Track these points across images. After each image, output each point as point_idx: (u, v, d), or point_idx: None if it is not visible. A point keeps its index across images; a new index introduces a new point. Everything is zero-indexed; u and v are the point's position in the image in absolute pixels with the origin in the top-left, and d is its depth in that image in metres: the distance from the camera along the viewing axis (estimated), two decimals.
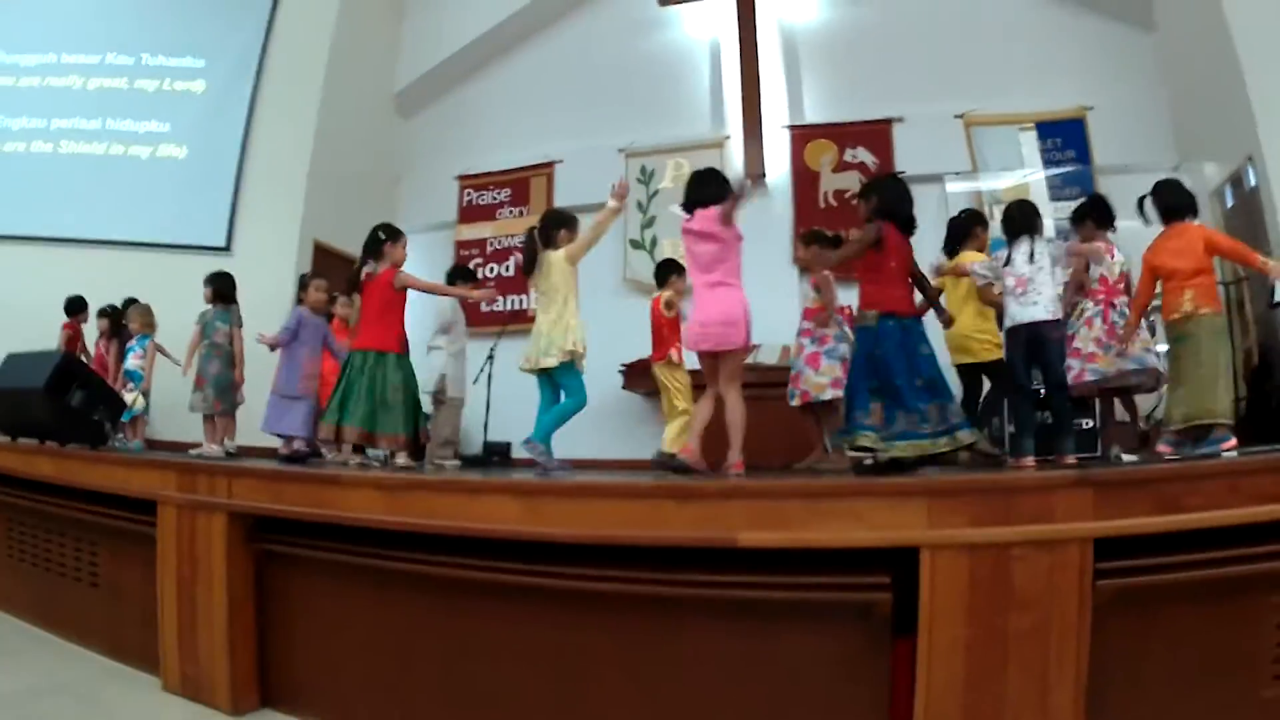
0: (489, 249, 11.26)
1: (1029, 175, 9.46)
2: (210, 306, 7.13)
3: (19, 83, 10.31)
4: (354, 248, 9.92)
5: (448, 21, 11.79)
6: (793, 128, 10.40)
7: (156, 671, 4.47)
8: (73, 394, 5.78)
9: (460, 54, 11.76)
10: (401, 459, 5.73)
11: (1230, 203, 8.16)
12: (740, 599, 3.08)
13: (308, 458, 6.39)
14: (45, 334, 8.59)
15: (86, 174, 10.12)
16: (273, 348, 6.76)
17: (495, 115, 11.69)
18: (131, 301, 8.43)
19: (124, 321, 8.25)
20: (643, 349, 8.70)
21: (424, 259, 9.84)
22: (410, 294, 6.09)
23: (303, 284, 7.50)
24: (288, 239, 10.02)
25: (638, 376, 9.01)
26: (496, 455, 9.36)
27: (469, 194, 11.54)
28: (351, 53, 11.03)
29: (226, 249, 10.00)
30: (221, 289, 7.13)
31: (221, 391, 6.91)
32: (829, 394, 6.13)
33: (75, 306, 8.80)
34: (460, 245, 11.38)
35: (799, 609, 3.07)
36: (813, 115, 10.43)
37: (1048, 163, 9.44)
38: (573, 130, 11.09)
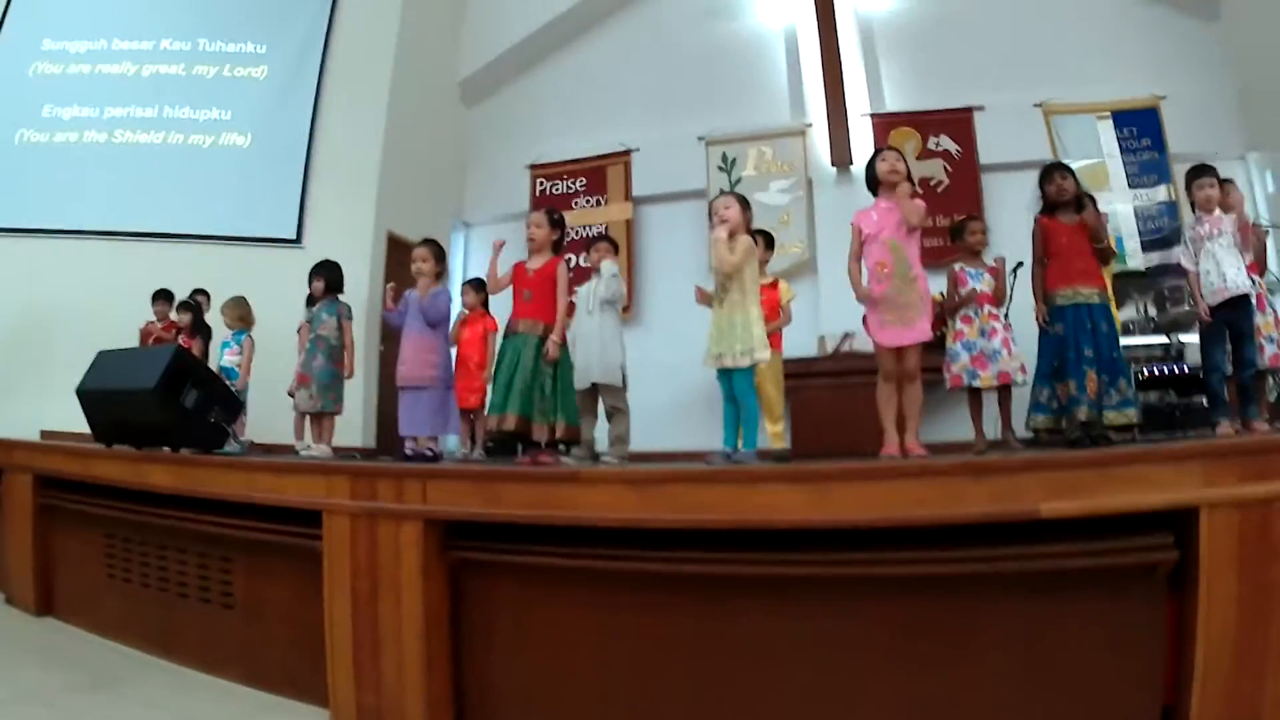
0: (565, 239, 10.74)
1: (1109, 161, 9.58)
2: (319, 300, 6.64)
3: (68, 70, 9.76)
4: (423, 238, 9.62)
5: (512, 7, 11.47)
6: (875, 116, 10.30)
7: (314, 700, 3.91)
8: (187, 393, 5.19)
9: (526, 41, 11.49)
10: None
11: None
12: (1038, 570, 2.99)
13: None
14: (107, 333, 7.98)
15: (144, 165, 9.55)
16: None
17: (562, 103, 11.40)
18: (201, 294, 7.96)
19: (202, 315, 7.75)
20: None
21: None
22: None
23: None
24: (362, 231, 9.62)
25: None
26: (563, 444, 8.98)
27: (542, 183, 11.19)
28: (417, 38, 10.65)
29: (297, 241, 9.54)
30: (332, 280, 6.66)
31: (325, 388, 6.43)
32: (1020, 378, 5.95)
33: (157, 297, 8.29)
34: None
35: (1088, 576, 3.02)
36: (893, 104, 10.42)
37: (1125, 150, 9.62)
38: (646, 118, 10.90)
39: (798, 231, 10.01)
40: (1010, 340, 6.04)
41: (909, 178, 4.98)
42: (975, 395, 6.15)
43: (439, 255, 6.04)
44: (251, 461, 4.67)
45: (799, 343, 7.90)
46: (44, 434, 7.92)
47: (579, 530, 3.40)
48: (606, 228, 10.37)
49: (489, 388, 6.76)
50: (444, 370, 5.92)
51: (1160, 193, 9.42)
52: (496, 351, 5.42)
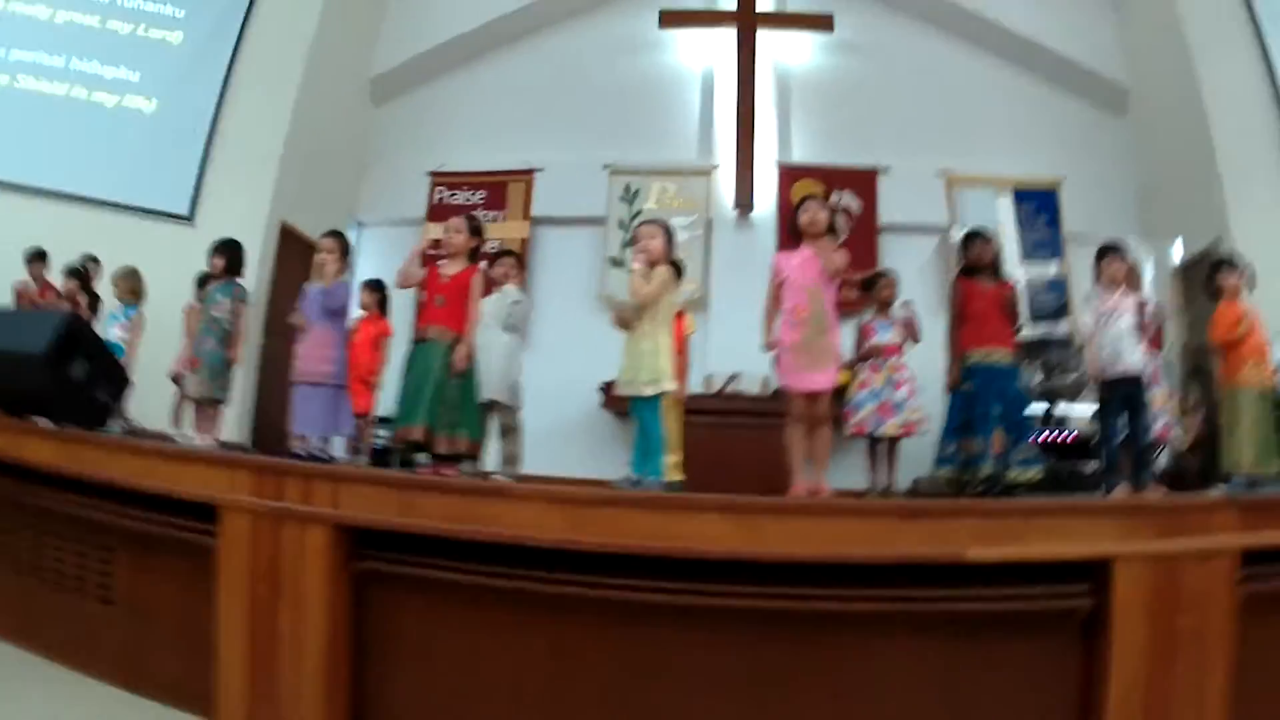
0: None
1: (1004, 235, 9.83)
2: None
3: None
4: (314, 232, 9.43)
5: (436, 11, 11.32)
6: (782, 165, 10.52)
7: (198, 709, 3.73)
8: (76, 364, 4.91)
9: (443, 46, 11.28)
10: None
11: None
12: (963, 612, 3.14)
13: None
14: None
15: (41, 115, 9.13)
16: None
17: (471, 115, 11.26)
18: (92, 260, 7.65)
19: (90, 283, 7.47)
20: (616, 369, 8.82)
21: (387, 255, 9.47)
22: None
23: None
24: (256, 217, 9.23)
25: (614, 395, 8.83)
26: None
27: (440, 191, 10.98)
28: (335, 27, 10.37)
29: (189, 219, 9.20)
30: (233, 260, 6.50)
31: (216, 373, 6.25)
32: (924, 428, 6.41)
33: (36, 258, 7.87)
34: (429, 244, 10.68)
35: (1008, 620, 3.17)
36: (800, 155, 10.69)
37: (1022, 225, 9.99)
38: (554, 140, 10.86)
39: (693, 269, 9.92)
40: (915, 392, 6.39)
41: (832, 228, 5.14)
42: (874, 444, 6.46)
43: (344, 249, 5.96)
44: (146, 445, 4.47)
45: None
46: None
47: (496, 547, 3.35)
48: (501, 244, 10.23)
49: (376, 394, 6.71)
50: (340, 367, 5.83)
51: (1052, 268, 9.89)
52: (405, 358, 5.30)
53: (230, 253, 6.58)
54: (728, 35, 10.69)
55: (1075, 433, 7.71)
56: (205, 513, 3.77)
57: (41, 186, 8.85)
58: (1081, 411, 7.64)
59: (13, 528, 4.60)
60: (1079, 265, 9.16)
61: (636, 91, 10.94)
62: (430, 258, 5.79)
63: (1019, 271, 9.68)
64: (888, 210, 10.26)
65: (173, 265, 7.67)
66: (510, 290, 6.21)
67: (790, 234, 5.34)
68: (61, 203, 8.86)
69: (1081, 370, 7.68)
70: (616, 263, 10.32)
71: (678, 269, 5.39)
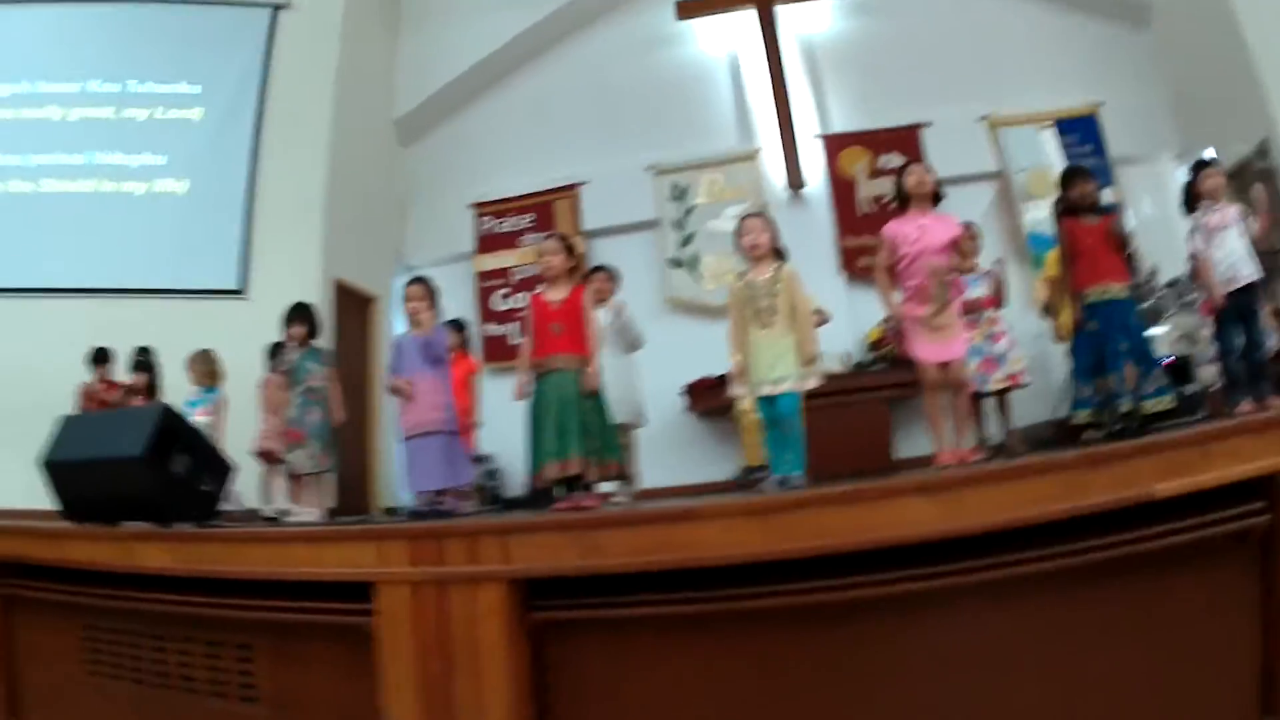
0: (514, 278, 10.55)
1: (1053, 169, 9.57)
2: (294, 347, 6.22)
3: None
4: (367, 284, 9.21)
5: (445, 44, 11.11)
6: (825, 137, 10.31)
7: None
8: (176, 459, 4.67)
9: (461, 77, 11.11)
10: None
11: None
12: (1142, 553, 2.99)
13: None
14: (35, 398, 7.40)
15: (73, 215, 8.93)
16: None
17: (502, 139, 11.09)
18: (143, 352, 7.42)
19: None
20: (693, 370, 8.96)
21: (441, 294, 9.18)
22: None
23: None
24: (309, 278, 8.96)
25: (701, 397, 9.10)
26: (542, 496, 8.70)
27: (487, 221, 10.83)
28: (353, 76, 10.18)
29: (240, 292, 8.98)
30: (312, 325, 6.23)
31: (327, 445, 5.97)
32: (1028, 379, 6.61)
33: (99, 359, 7.66)
34: (481, 276, 10.67)
35: (1187, 551, 3.04)
36: (840, 124, 10.43)
37: (1068, 157, 9.57)
38: (591, 150, 10.69)
39: None
40: (1015, 343, 6.54)
41: (938, 189, 5.14)
42: (976, 400, 6.38)
43: (431, 293, 5.65)
44: (280, 532, 4.19)
45: None
46: None
47: (677, 572, 3.12)
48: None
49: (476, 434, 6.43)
50: (450, 413, 5.48)
51: (1105, 195, 9.49)
52: (534, 394, 4.95)
53: (308, 318, 6.33)
54: (746, 17, 10.48)
55: (1173, 356, 7.34)
56: (353, 591, 3.47)
57: (86, 285, 8.66)
58: (1161, 334, 7.32)
59: (135, 638, 4.31)
60: (1132, 188, 9.51)
61: (665, 88, 10.71)
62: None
63: None
64: (936, 163, 9.70)
65: (230, 342, 7.48)
66: (614, 305, 5.94)
67: (898, 201, 5.20)
68: (108, 299, 8.66)
69: (1160, 294, 7.58)
70: (676, 263, 10.16)
71: (781, 256, 5.25)
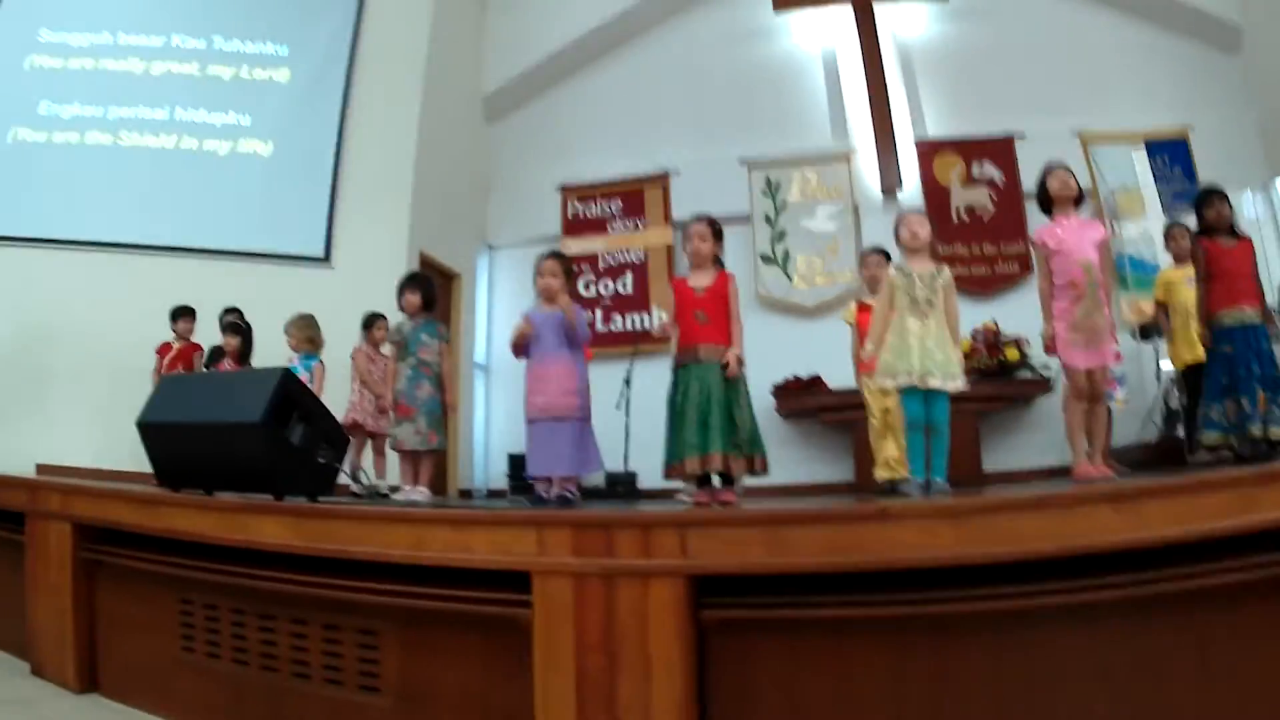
0: (601, 265, 10.35)
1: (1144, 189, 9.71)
2: (408, 318, 5.91)
3: (68, 64, 8.83)
4: (449, 261, 8.93)
5: (538, 23, 10.96)
6: (920, 142, 10.05)
7: None
8: (294, 428, 4.31)
9: (553, 56, 10.91)
10: None
11: None
12: None
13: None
14: (110, 355, 7.50)
15: (153, 170, 8.66)
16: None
17: (592, 122, 10.86)
18: (234, 312, 7.11)
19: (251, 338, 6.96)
20: (783, 370, 8.91)
21: (524, 276, 8.92)
22: None
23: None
24: (395, 251, 8.73)
25: (790, 398, 8.95)
26: (621, 487, 8.56)
27: (574, 205, 10.58)
28: (445, 48, 9.97)
29: (326, 259, 8.73)
30: (429, 295, 5.93)
31: (436, 422, 5.67)
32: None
33: (182, 314, 7.41)
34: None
35: None
36: (934, 130, 10.19)
37: (1158, 178, 9.65)
38: (683, 139, 10.46)
39: (846, 259, 9.63)
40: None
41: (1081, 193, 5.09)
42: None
43: (568, 270, 5.35)
44: (422, 513, 3.84)
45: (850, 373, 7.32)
46: (40, 468, 7.00)
47: (858, 576, 2.92)
48: (646, 253, 10.08)
49: None
50: (585, 399, 5.17)
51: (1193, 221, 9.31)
52: (675, 384, 4.66)
53: (426, 288, 5.99)
54: (842, 13, 10.24)
55: None
56: (505, 581, 3.17)
57: (165, 243, 8.42)
58: None
59: (240, 615, 4.02)
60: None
61: (759, 81, 10.46)
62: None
63: (1161, 225, 9.06)
64: (1029, 176, 9.33)
65: (315, 310, 7.16)
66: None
67: (1041, 206, 5.16)
68: (187, 257, 8.43)
69: None
70: (768, 259, 9.89)
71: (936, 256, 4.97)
